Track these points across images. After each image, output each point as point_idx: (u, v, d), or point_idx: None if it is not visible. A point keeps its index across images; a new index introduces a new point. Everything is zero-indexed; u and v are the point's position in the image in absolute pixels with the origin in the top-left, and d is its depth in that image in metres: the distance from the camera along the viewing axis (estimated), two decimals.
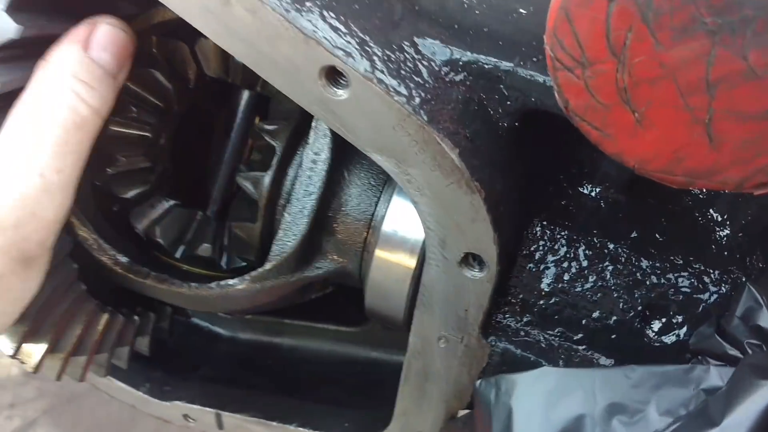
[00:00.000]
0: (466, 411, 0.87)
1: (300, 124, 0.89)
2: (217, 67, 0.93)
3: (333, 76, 0.65)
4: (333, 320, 1.23)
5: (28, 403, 2.59)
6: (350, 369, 1.23)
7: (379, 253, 0.88)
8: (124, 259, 0.94)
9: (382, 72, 0.64)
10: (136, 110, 0.92)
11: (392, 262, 0.88)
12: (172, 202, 1.01)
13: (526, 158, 0.75)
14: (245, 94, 1.01)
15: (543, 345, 0.80)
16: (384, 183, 0.88)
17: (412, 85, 0.65)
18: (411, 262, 0.86)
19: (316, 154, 0.84)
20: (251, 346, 1.31)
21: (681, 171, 0.55)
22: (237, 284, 0.93)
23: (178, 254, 1.03)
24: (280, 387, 1.20)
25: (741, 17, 0.46)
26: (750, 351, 0.64)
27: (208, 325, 1.33)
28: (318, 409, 1.13)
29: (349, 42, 0.64)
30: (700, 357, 0.72)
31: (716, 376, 0.63)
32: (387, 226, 0.87)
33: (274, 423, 1.10)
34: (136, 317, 1.04)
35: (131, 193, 0.97)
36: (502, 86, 0.68)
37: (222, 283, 0.93)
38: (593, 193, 0.81)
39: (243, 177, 0.91)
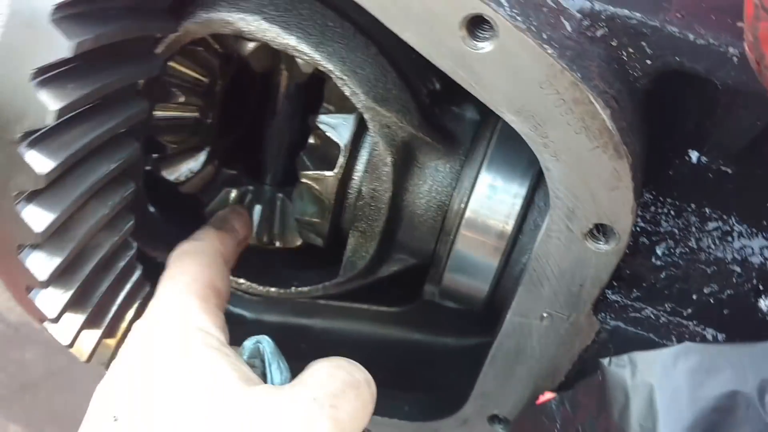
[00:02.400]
0: (556, 394, 0.83)
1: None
2: (267, 64, 0.89)
3: (477, 26, 0.59)
4: (371, 300, 1.16)
5: None
6: (392, 351, 1.17)
7: (465, 234, 0.83)
8: None
9: (533, 23, 0.59)
10: (183, 94, 0.87)
11: (479, 240, 0.83)
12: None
13: (650, 122, 0.71)
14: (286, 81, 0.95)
15: (652, 321, 0.77)
16: (462, 160, 0.84)
17: (560, 38, 0.60)
18: (501, 240, 0.82)
19: (380, 154, 0.80)
20: (280, 329, 1.23)
21: None
22: (311, 292, 0.96)
23: None
24: None
25: None
26: None
27: (229, 307, 1.25)
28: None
29: None
30: None
31: None
32: (473, 206, 0.82)
33: None
34: None
35: (182, 175, 0.92)
36: (645, 44, 0.64)
37: (297, 290, 0.96)
38: (700, 163, 0.77)
39: (307, 176, 0.85)
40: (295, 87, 0.93)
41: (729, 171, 0.77)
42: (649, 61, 0.65)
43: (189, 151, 0.92)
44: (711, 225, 0.77)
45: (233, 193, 0.98)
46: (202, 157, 0.93)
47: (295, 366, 1.17)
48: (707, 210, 0.77)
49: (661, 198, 0.77)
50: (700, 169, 0.77)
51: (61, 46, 0.60)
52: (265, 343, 0.73)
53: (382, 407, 1.03)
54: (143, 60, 0.73)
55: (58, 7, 0.60)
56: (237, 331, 1.22)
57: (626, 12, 0.63)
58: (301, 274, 0.99)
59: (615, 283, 0.78)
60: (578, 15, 0.63)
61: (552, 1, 0.62)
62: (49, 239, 0.69)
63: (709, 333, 0.76)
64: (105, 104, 0.69)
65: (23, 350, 2.59)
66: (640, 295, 0.78)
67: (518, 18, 0.58)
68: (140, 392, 0.65)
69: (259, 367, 0.71)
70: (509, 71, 0.60)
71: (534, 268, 0.74)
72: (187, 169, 0.93)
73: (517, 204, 0.80)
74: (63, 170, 0.66)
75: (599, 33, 0.64)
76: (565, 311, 0.76)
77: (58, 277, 0.73)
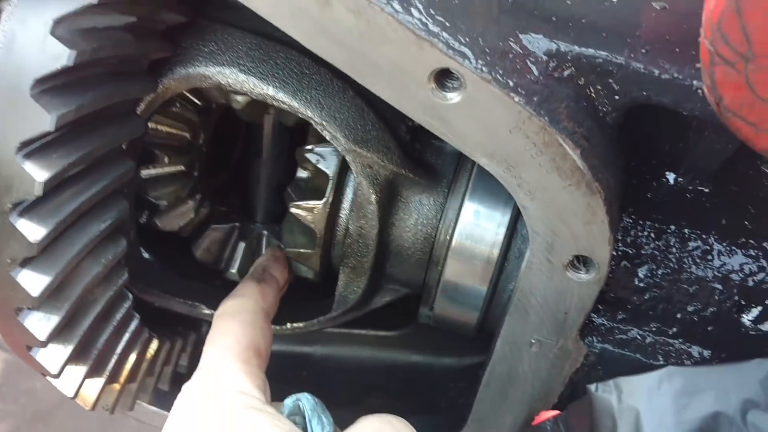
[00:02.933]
0: (553, 413, 0.85)
1: None
2: (254, 116, 0.91)
3: (443, 79, 0.61)
4: (369, 325, 1.19)
5: None
6: (391, 375, 1.19)
7: (452, 264, 0.85)
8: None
9: (499, 72, 0.60)
10: (166, 154, 0.89)
11: (466, 269, 0.85)
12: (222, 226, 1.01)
13: (624, 154, 0.73)
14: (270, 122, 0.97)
15: (639, 342, 0.79)
16: (445, 192, 0.86)
17: (526, 84, 0.62)
18: (488, 269, 0.84)
19: (364, 193, 0.82)
20: (281, 357, 1.25)
21: None
22: (306, 327, 0.97)
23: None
24: (323, 399, 1.15)
25: None
26: None
27: None
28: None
29: (462, 41, 0.59)
30: None
31: None
32: (459, 236, 0.84)
33: None
34: (179, 338, 1.00)
35: (178, 225, 0.94)
36: (611, 81, 0.65)
37: (293, 325, 0.98)
38: (677, 184, 0.79)
39: (297, 206, 0.87)
40: (280, 127, 0.95)
41: (706, 190, 0.79)
42: (617, 97, 0.66)
43: (180, 201, 0.94)
44: (691, 245, 0.78)
45: (218, 231, 1.00)
46: (193, 204, 0.95)
47: (297, 392, 1.19)
48: (687, 230, 0.78)
49: (641, 221, 0.79)
50: (677, 190, 0.79)
51: (42, 120, 0.62)
52: (305, 399, 0.75)
53: None
54: (126, 121, 0.74)
55: (38, 82, 0.62)
56: None
57: (591, 51, 0.65)
58: (295, 308, 1.00)
59: (600, 307, 0.80)
60: (544, 57, 0.64)
61: (518, 46, 0.64)
62: (46, 300, 0.72)
63: (695, 350, 0.78)
64: (92, 167, 0.71)
65: (34, 380, 2.61)
66: (625, 317, 0.80)
67: (484, 69, 0.59)
68: None
69: (300, 423, 0.74)
70: (479, 119, 0.62)
71: (519, 298, 0.75)
72: (181, 218, 0.94)
73: (501, 233, 0.82)
74: (55, 235, 0.68)
75: (566, 73, 0.65)
76: (553, 337, 0.77)
77: (58, 335, 0.75)
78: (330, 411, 1.11)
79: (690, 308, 0.78)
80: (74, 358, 0.78)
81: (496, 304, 0.87)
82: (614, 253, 0.73)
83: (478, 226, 0.83)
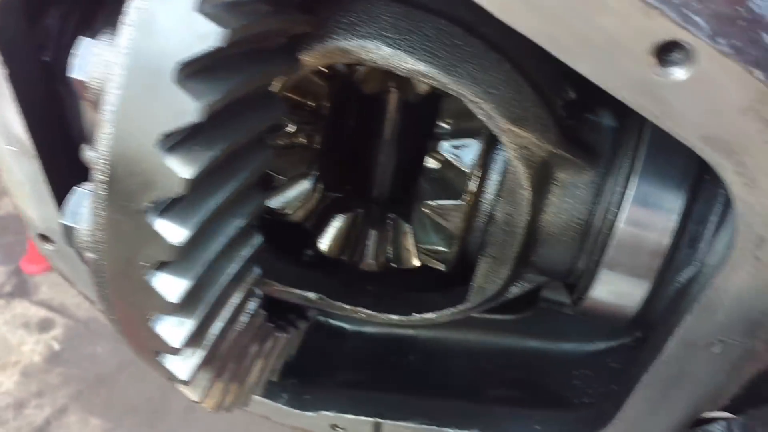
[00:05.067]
0: (725, 415, 0.77)
1: (491, 136, 0.77)
2: (378, 85, 0.83)
3: (668, 52, 0.51)
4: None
5: (55, 389, 2.49)
6: (507, 361, 1.12)
7: (613, 252, 0.76)
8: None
9: (734, 44, 0.50)
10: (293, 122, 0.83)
11: (631, 258, 0.76)
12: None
13: None
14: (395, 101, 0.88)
15: None
16: (602, 173, 0.77)
17: (764, 57, 0.52)
18: (655, 259, 0.75)
19: (517, 177, 0.74)
20: (382, 341, 1.19)
21: None
22: (437, 319, 0.92)
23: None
24: (434, 387, 1.09)
25: None
26: None
27: (329, 321, 1.21)
28: (494, 410, 1.02)
29: (691, 11, 0.50)
30: None
31: None
32: (623, 222, 0.75)
33: (449, 430, 1.00)
34: (292, 328, 0.94)
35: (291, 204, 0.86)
36: None
37: (422, 316, 0.92)
38: None
39: (429, 206, 0.79)
40: (406, 106, 0.86)
41: None
42: None
43: (296, 178, 0.87)
44: None
45: (341, 219, 0.93)
46: (309, 183, 0.88)
47: (413, 381, 1.13)
48: None
49: None
50: None
51: (188, 110, 0.54)
52: None
53: (512, 428, 0.99)
54: (266, 104, 0.66)
55: (183, 66, 0.53)
56: (337, 343, 1.20)
57: None
58: (422, 297, 0.93)
59: None
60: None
61: (745, 10, 0.54)
62: (182, 305, 0.65)
63: None
64: (233, 159, 0.63)
65: (95, 345, 2.63)
66: None
67: (720, 40, 0.50)
68: None
69: None
70: (705, 98, 0.53)
71: (710, 296, 0.67)
72: (295, 197, 0.87)
73: (673, 219, 0.73)
74: (198, 237, 0.61)
75: None
76: (742, 338, 0.69)
77: (191, 340, 0.69)
78: (445, 401, 1.06)
79: None
80: (206, 363, 0.72)
81: (660, 297, 0.78)
82: None
83: (645, 210, 0.74)
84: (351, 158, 0.97)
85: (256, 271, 0.73)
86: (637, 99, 0.54)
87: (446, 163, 0.78)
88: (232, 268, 0.68)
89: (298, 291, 0.89)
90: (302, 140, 0.83)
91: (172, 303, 0.63)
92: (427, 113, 0.84)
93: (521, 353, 1.11)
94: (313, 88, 0.80)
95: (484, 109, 0.69)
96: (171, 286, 0.62)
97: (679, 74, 0.51)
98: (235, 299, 0.72)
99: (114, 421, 2.59)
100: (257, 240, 0.71)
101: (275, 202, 0.87)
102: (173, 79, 0.54)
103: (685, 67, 0.51)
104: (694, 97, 0.52)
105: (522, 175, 0.73)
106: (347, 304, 0.91)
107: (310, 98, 0.82)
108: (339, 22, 0.68)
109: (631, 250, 0.75)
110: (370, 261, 0.93)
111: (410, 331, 1.17)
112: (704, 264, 0.73)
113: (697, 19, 0.49)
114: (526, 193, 0.75)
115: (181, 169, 0.56)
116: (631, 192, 0.74)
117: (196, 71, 0.55)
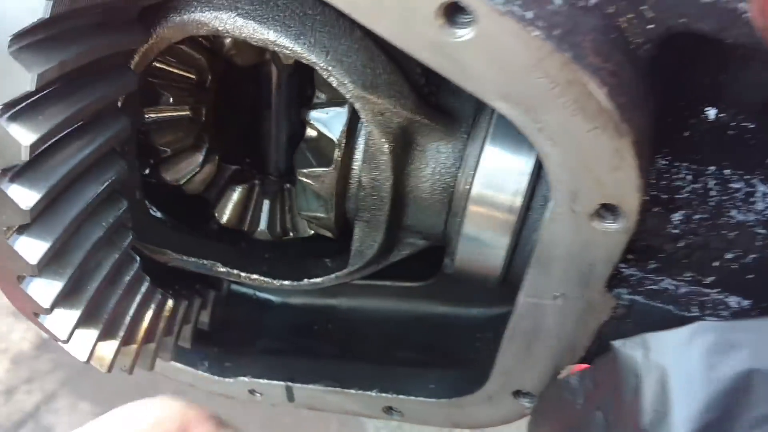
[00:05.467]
0: (581, 367, 0.81)
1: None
2: (250, 58, 0.86)
3: (454, 13, 0.55)
4: (394, 276, 1.15)
5: (45, 375, 2.54)
6: (418, 326, 1.16)
7: (472, 212, 0.80)
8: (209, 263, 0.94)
9: (515, 3, 0.54)
10: (171, 95, 0.85)
11: (488, 219, 0.80)
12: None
13: (657, 89, 0.66)
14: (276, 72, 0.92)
15: (671, 292, 0.74)
16: (464, 138, 0.80)
17: (546, 15, 0.55)
18: (510, 218, 0.79)
19: (376, 143, 0.77)
20: (306, 310, 1.24)
21: None
22: (324, 283, 0.95)
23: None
24: (348, 352, 1.14)
25: None
26: None
27: (255, 293, 1.25)
28: (396, 372, 1.06)
29: None
30: None
31: None
32: (479, 185, 0.79)
33: (352, 391, 1.04)
34: (197, 296, 0.98)
35: (183, 176, 0.90)
36: (644, 7, 0.58)
37: (311, 281, 0.96)
38: (718, 121, 0.72)
39: (303, 173, 0.83)
40: (287, 77, 0.89)
41: (750, 126, 0.72)
42: (651, 26, 0.59)
43: (187, 151, 0.90)
44: (733, 186, 0.72)
45: (238, 191, 0.96)
46: (200, 155, 0.91)
47: (327, 347, 1.17)
48: (728, 171, 0.72)
49: (676, 163, 0.72)
50: (718, 127, 0.72)
51: (23, 79, 0.58)
52: None
53: (408, 386, 1.04)
54: (117, 76, 0.70)
55: (15, 38, 0.57)
56: (263, 314, 1.24)
57: None
58: (314, 263, 0.97)
59: (630, 256, 0.74)
60: None
61: None
62: (47, 267, 0.69)
63: (733, 300, 0.73)
64: (84, 127, 0.67)
65: None
66: (657, 267, 0.74)
67: (497, 0, 0.53)
68: None
69: None
70: (493, 57, 0.56)
71: (541, 250, 0.71)
72: (186, 169, 0.91)
73: (524, 180, 0.77)
74: (49, 200, 0.65)
75: (593, 1, 0.58)
76: (578, 291, 0.73)
77: (63, 300, 0.73)
78: (357, 364, 1.10)
79: (729, 255, 0.72)
80: (83, 322, 0.76)
81: (520, 256, 0.82)
82: (645, 199, 0.67)
83: (499, 173, 0.77)
84: (246, 130, 1.00)
85: (128, 235, 0.78)
86: (438, 61, 0.58)
87: (319, 132, 0.82)
88: (98, 232, 0.72)
89: (193, 259, 0.93)
90: (186, 113, 0.86)
91: (32, 265, 0.67)
92: (305, 84, 0.88)
93: (431, 318, 1.15)
94: (191, 60, 0.83)
95: (335, 77, 0.73)
96: (31, 248, 0.67)
97: (465, 34, 0.55)
98: (109, 263, 0.76)
99: (103, 405, 2.64)
100: (122, 206, 0.75)
101: (169, 174, 0.91)
102: (7, 51, 0.58)
103: (470, 27, 0.54)
104: (483, 56, 0.56)
105: (380, 140, 0.77)
106: (243, 271, 0.95)
107: (191, 71, 0.85)
108: None
109: (487, 213, 0.79)
110: (263, 230, 0.97)
111: (331, 301, 1.21)
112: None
113: None
114: (385, 158, 0.78)
115: (23, 136, 0.60)
116: (484, 156, 0.77)
117: (30, 43, 0.59)
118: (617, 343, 0.67)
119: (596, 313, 0.75)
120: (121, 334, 0.83)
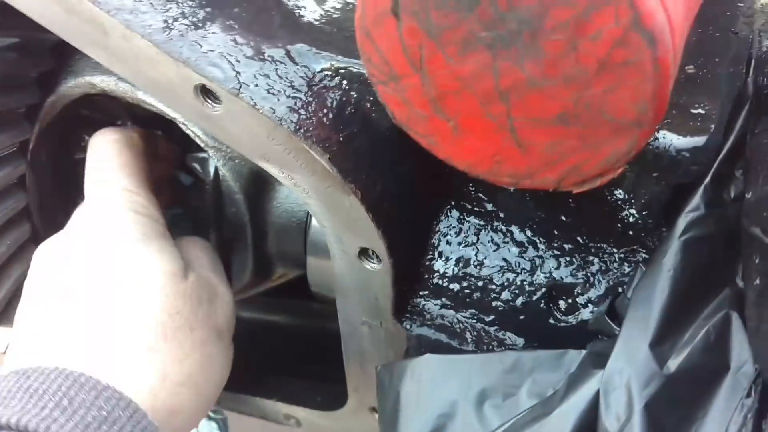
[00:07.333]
0: None
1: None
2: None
3: (207, 93, 0.69)
4: (295, 294, 1.26)
5: None
6: (322, 341, 1.28)
7: (310, 244, 0.93)
8: None
9: (249, 86, 0.68)
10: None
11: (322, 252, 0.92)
12: None
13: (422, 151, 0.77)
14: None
15: (456, 327, 0.83)
16: None
17: (281, 95, 0.68)
18: None
19: (230, 185, 0.90)
20: (245, 324, 1.39)
21: (504, 173, 0.56)
22: None
23: None
24: (255, 363, 1.26)
25: (508, 30, 0.46)
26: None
27: None
28: (299, 384, 1.19)
29: (215, 61, 0.67)
30: (600, 336, 0.73)
31: None
32: (314, 223, 0.92)
33: (245, 395, 1.18)
34: None
35: None
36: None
37: None
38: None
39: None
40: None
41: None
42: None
43: None
44: (504, 237, 0.81)
45: None
46: None
47: (236, 357, 1.32)
48: (501, 224, 0.81)
49: (460, 214, 0.82)
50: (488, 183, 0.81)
51: None
52: None
53: (302, 397, 1.16)
54: (11, 128, 0.89)
55: None
56: None
57: (353, 61, 0.70)
58: None
59: (422, 293, 0.85)
60: (311, 68, 0.71)
61: (286, 58, 0.70)
62: None
63: (509, 337, 0.81)
64: None
65: None
66: (446, 303, 0.84)
67: (236, 85, 0.67)
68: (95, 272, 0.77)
69: None
70: (243, 127, 0.70)
71: (338, 281, 0.82)
72: None
73: None
74: None
75: (333, 83, 0.71)
76: (375, 319, 0.84)
77: None
78: (256, 375, 1.23)
79: (503, 297, 0.81)
80: None
81: None
82: (407, 244, 0.77)
83: None
84: None
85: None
86: (209, 126, 0.72)
87: (196, 174, 0.98)
88: None
89: None
90: None
91: None
92: None
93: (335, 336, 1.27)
94: (109, 108, 1.01)
95: (190, 129, 0.88)
96: None
97: (219, 109, 0.69)
98: None
99: None
100: None
101: None
102: None
103: (219, 104, 0.69)
104: (235, 126, 0.70)
105: (233, 183, 0.92)
106: None
107: (111, 119, 1.03)
108: (88, 61, 0.88)
109: (319, 244, 0.92)
110: None
111: (244, 314, 1.35)
112: None
113: (217, 69, 0.67)
114: (239, 197, 0.93)
115: None
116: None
117: None
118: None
119: (397, 342, 0.86)
120: None
